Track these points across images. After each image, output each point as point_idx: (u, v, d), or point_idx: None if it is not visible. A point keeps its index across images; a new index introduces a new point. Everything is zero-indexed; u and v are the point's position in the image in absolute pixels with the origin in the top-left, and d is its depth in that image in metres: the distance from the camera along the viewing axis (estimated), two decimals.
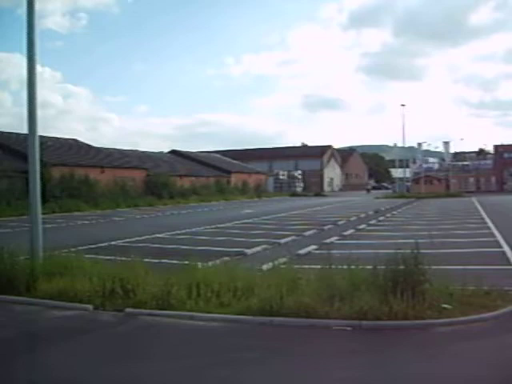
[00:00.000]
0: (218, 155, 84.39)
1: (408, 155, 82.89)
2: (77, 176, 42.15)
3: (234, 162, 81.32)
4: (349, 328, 7.53)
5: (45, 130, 14.94)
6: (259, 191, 71.11)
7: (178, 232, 21.14)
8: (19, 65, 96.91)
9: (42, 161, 12.01)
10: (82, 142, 54.70)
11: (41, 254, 10.93)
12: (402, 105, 72.23)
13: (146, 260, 10.39)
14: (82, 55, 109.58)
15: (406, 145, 78.22)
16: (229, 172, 71.19)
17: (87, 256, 11.47)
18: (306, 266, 10.02)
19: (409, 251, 8.28)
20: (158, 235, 19.91)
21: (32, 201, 11.29)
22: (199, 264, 9.96)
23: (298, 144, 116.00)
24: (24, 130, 12.27)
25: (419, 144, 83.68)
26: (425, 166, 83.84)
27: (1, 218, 31.02)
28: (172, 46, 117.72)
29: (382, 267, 8.38)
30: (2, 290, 9.83)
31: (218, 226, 23.95)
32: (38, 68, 11.55)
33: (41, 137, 11.58)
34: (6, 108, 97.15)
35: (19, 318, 8.75)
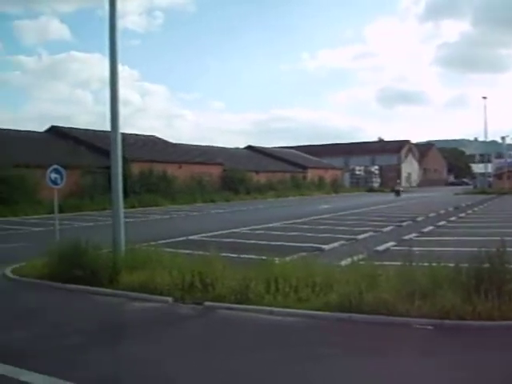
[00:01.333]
0: (293, 151, 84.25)
1: (490, 149, 79.97)
2: (155, 172, 43.09)
3: (310, 157, 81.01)
4: (430, 327, 7.34)
5: (124, 127, 15.57)
6: (335, 187, 70.62)
7: (255, 227, 21.25)
8: (99, 65, 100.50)
9: (123, 157, 12.30)
10: (160, 139, 55.82)
11: (123, 247, 11.24)
12: (484, 97, 70.05)
13: (224, 254, 10.47)
14: (159, 53, 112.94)
15: (488, 139, 75.60)
16: (305, 167, 70.99)
17: (166, 250, 11.70)
18: (385, 263, 9.84)
19: (493, 249, 7.98)
20: (235, 230, 20.08)
21: (114, 196, 11.63)
22: (277, 259, 9.96)
23: (375, 139, 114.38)
24: (105, 127, 12.62)
25: (503, 138, 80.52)
26: (509, 160, 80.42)
27: (84, 212, 32.16)
28: (247, 43, 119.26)
29: (465, 265, 8.12)
30: (86, 281, 10.20)
31: (295, 221, 23.93)
32: (109, 66, 11.81)
33: (122, 134, 11.87)
34: (87, 106, 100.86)
35: (103, 309, 9.04)
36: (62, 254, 10.80)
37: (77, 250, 10.59)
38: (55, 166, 14.40)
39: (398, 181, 69.65)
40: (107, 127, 11.88)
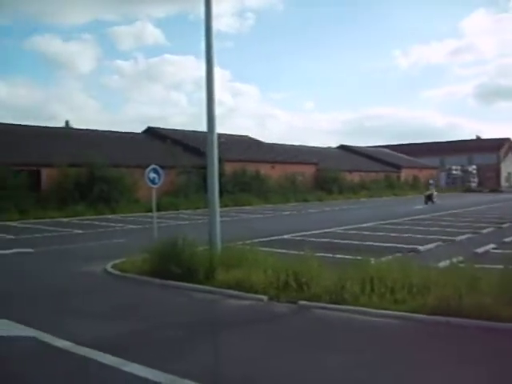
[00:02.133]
0: (387, 150, 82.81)
1: None
2: (248, 171, 43.58)
3: (404, 156, 79.35)
4: None
5: (217, 127, 15.84)
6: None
7: (349, 227, 21.08)
8: (192, 67, 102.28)
9: (218, 157, 12.54)
10: (253, 139, 56.41)
11: (219, 245, 11.46)
12: None
13: (318, 254, 10.45)
14: (250, 54, 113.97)
15: None
16: (399, 167, 69.65)
17: (260, 249, 11.82)
18: (486, 266, 9.50)
19: None
20: (328, 230, 20.00)
21: (211, 196, 11.88)
22: (372, 259, 9.84)
23: (472, 137, 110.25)
24: (198, 127, 12.91)
25: None
26: None
27: (179, 210, 33.03)
28: (336, 41, 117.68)
29: None
30: (183, 278, 10.47)
31: (390, 221, 23.54)
32: (206, 68, 12.03)
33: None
34: (181, 108, 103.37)
35: (200, 305, 9.24)
36: (161, 251, 11.15)
37: (174, 248, 10.89)
38: (154, 166, 14.90)
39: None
40: (200, 128, 12.17)
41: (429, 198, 40.20)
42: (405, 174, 68.84)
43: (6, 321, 7.84)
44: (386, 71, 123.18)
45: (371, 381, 5.65)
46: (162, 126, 50.34)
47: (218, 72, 12.16)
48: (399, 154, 79.58)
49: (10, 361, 6.29)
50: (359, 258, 9.83)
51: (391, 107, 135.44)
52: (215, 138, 11.89)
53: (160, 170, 14.77)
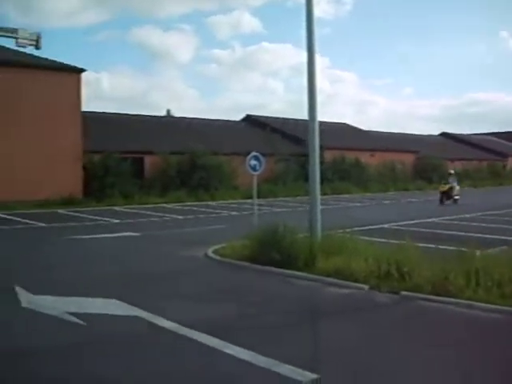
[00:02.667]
0: (491, 137, 79.36)
1: None
2: (348, 159, 43.14)
3: (511, 144, 75.80)
4: None
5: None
6: None
7: (451, 217, 20.47)
8: (289, 55, 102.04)
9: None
10: (351, 126, 55.75)
11: (319, 233, 11.45)
12: None
13: (420, 244, 10.22)
14: (348, 40, 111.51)
15: None
16: (505, 155, 66.65)
17: (360, 237, 11.71)
18: None
19: None
20: (429, 220, 19.53)
21: (312, 184, 11.88)
22: (477, 251, 9.51)
23: None
24: (295, 115, 12.88)
25: None
26: None
27: (278, 197, 33.23)
28: (437, 24, 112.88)
29: None
30: (282, 265, 10.54)
31: (495, 212, 22.58)
32: (307, 55, 11.96)
33: None
34: (278, 95, 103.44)
35: (299, 292, 9.29)
36: (261, 237, 11.27)
37: (275, 235, 10.98)
38: (255, 153, 15.06)
39: None
40: (298, 115, 12.24)
41: (447, 196, 29.80)
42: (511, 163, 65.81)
43: (115, 301, 8.20)
44: (490, 54, 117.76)
45: (475, 378, 5.48)
46: (259, 114, 50.69)
47: (317, 59, 12.07)
48: (505, 142, 76.07)
49: (117, 338, 6.57)
50: (463, 249, 9.52)
51: (497, 92, 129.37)
52: (316, 125, 11.85)
53: (261, 157, 14.91)
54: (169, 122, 43.94)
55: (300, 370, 5.34)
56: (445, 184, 30.37)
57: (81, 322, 7.08)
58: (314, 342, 6.54)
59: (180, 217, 23.26)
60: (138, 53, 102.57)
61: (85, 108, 31.38)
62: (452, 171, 33.18)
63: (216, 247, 13.10)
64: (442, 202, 29.24)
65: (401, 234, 11.73)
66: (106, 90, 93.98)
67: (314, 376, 5.20)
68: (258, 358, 5.71)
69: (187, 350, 6.14)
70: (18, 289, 8.95)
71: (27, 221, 21.23)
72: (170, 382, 5.25)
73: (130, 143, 33.67)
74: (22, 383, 5.22)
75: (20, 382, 5.25)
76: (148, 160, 34.09)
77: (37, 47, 38.18)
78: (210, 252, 12.70)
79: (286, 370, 5.39)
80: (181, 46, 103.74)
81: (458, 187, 30.62)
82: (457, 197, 29.87)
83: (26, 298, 8.40)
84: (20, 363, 5.68)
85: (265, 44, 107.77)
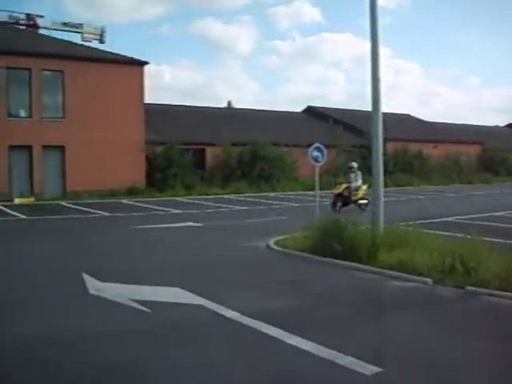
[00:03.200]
0: None
1: None
2: (410, 151, 42.39)
3: None
4: None
5: (369, 105, 15.47)
6: None
7: None
8: (350, 45, 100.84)
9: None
10: (413, 117, 54.71)
11: (382, 225, 11.32)
12: None
13: (486, 238, 9.95)
14: (410, 29, 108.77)
15: None
16: None
17: (423, 230, 11.50)
18: None
19: None
20: (495, 213, 19.00)
21: (375, 175, 11.75)
22: None
23: None
24: (356, 106, 12.72)
25: None
26: None
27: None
28: (505, 13, 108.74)
29: None
30: (345, 257, 10.48)
31: None
32: (368, 44, 11.79)
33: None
34: (339, 86, 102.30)
35: (361, 284, 9.21)
36: (323, 229, 11.24)
37: (337, 226, 10.92)
38: (317, 145, 15.02)
39: None
40: (359, 106, 12.06)
41: (345, 200, 20.99)
42: None
43: (178, 289, 8.35)
44: None
45: None
46: (319, 105, 50.35)
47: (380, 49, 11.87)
48: None
49: (182, 326, 6.69)
50: None
51: None
52: (380, 117, 11.69)
53: (323, 149, 14.85)
54: (230, 114, 44.19)
55: (364, 363, 5.30)
56: (340, 184, 21.84)
57: (146, 310, 7.24)
58: (377, 335, 6.48)
59: (241, 208, 23.42)
60: (199, 45, 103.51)
61: (147, 100, 31.96)
62: (354, 164, 22.69)
63: (277, 238, 13.13)
64: (334, 207, 20.60)
65: (465, 227, 11.45)
66: (167, 82, 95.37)
67: (379, 369, 5.16)
68: (321, 349, 5.71)
69: (250, 340, 6.19)
70: (85, 276, 9.23)
71: (93, 210, 21.85)
72: (235, 371, 5.30)
73: (191, 135, 34.09)
74: (93, 367, 5.36)
75: (90, 366, 5.40)
76: (209, 151, 34.45)
77: (101, 41, 39.11)
78: (271, 243, 12.74)
79: (349, 362, 5.37)
80: (241, 37, 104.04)
81: (364, 187, 21.49)
82: (363, 201, 21.09)
83: (93, 285, 8.65)
84: (88, 348, 5.86)
85: (325, 34, 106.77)
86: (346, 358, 5.44)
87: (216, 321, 6.89)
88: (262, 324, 6.55)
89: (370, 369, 5.19)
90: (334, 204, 20.71)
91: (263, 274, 10.08)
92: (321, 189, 15.95)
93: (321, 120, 43.63)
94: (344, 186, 21.27)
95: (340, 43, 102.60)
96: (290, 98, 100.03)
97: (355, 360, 5.39)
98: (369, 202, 19.55)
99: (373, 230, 11.11)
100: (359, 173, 22.02)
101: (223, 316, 7.00)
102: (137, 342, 6.07)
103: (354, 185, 21.35)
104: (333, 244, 10.67)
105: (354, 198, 21.12)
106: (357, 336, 6.32)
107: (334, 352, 5.60)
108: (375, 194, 11.73)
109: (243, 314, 6.99)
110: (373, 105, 11.73)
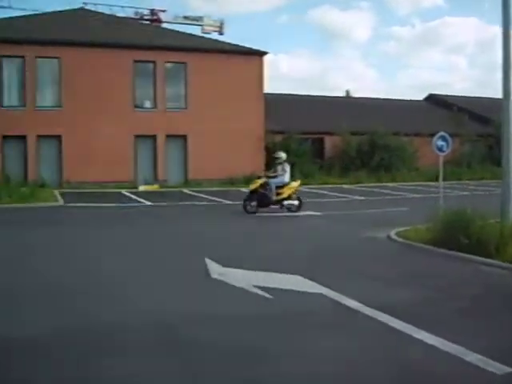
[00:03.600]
0: None
1: None
2: None
3: None
4: None
5: (496, 92, 14.66)
6: None
7: None
8: (473, 29, 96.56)
9: None
10: None
11: (511, 217, 10.77)
12: None
13: None
14: None
15: None
16: None
17: None
18: None
19: None
20: None
21: (505, 165, 11.21)
22: None
23: None
24: (480, 93, 12.08)
25: None
26: None
27: (461, 180, 31.78)
28: None
29: None
30: (470, 250, 10.05)
31: None
32: (494, 29, 11.20)
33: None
34: (461, 72, 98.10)
35: (488, 279, 8.79)
36: (447, 221, 10.83)
37: (462, 218, 10.49)
38: (442, 134, 14.52)
39: None
40: (482, 93, 11.48)
41: (262, 198, 17.15)
42: None
43: (299, 277, 8.37)
44: None
45: None
46: (440, 92, 48.58)
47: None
48: None
49: (303, 314, 6.69)
50: None
51: None
52: (511, 104, 11.08)
53: (448, 138, 14.33)
54: (348, 103, 43.73)
55: (493, 362, 5.05)
56: (258, 178, 17.89)
57: (267, 296, 7.31)
58: (507, 334, 6.16)
59: (360, 198, 23.19)
60: (316, 34, 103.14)
61: (265, 90, 32.24)
62: (282, 154, 18.07)
63: (399, 229, 12.84)
64: (246, 208, 17.12)
65: None
66: (283, 72, 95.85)
67: (510, 369, 4.91)
68: (447, 344, 5.50)
69: (373, 331, 6.09)
70: (207, 261, 9.48)
71: (214, 198, 22.46)
72: (357, 362, 5.23)
73: (310, 124, 34.09)
74: (224, 348, 5.49)
75: (222, 347, 5.53)
76: (328, 140, 34.32)
77: (220, 33, 40.07)
78: (392, 234, 12.48)
79: (476, 359, 5.12)
80: (358, 24, 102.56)
81: (294, 184, 17.80)
82: (293, 202, 17.35)
83: (216, 270, 8.87)
84: (217, 329, 6.01)
85: (447, 18, 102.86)
86: (473, 355, 5.20)
87: (338, 310, 6.84)
88: (384, 315, 6.42)
89: (499, 368, 4.93)
90: (245, 204, 17.15)
91: (384, 264, 9.90)
92: (444, 179, 15.40)
93: (443, 108, 42.13)
94: (260, 181, 17.30)
95: (463, 27, 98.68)
96: (409, 86, 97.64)
97: (484, 358, 5.14)
98: (300, 203, 17.23)
99: (502, 221, 10.59)
100: (287, 166, 17.74)
101: (345, 305, 6.94)
102: (263, 327, 6.14)
103: (276, 180, 17.31)
104: (458, 237, 10.26)
105: (276, 197, 17.14)
106: (484, 333, 6.03)
107: (462, 349, 5.38)
108: (504, 185, 11.17)
109: (365, 304, 6.89)
110: (504, 92, 11.14)
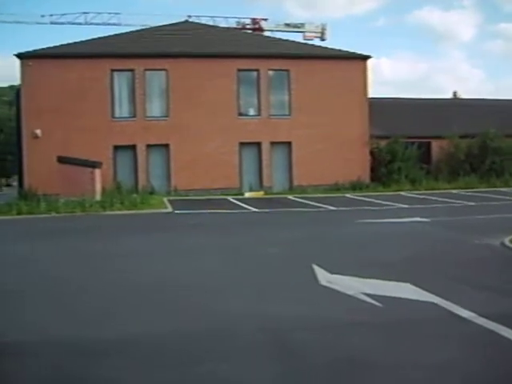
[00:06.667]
0: None
1: None
2: None
3: None
4: None
5: None
6: None
7: None
8: None
9: None
10: None
11: None
12: None
13: None
14: None
15: None
16: None
17: None
18: None
19: None
20: None
21: None
22: None
23: None
24: None
25: None
26: None
27: None
28: None
29: None
30: None
31: None
32: None
33: None
34: None
35: None
36: None
37: None
38: None
39: None
40: None
41: None
42: None
43: (409, 285, 8.18)
44: None
45: None
46: None
47: None
48: None
49: (415, 323, 6.53)
50: None
51: None
52: None
53: None
54: (455, 105, 42.29)
55: None
56: None
57: (377, 304, 7.20)
58: None
59: (470, 203, 22.40)
60: (417, 35, 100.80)
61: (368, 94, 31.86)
62: None
63: None
64: None
65: None
66: (385, 76, 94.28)
67: None
68: None
69: (487, 343, 5.84)
70: (315, 267, 9.46)
71: (319, 204, 22.41)
72: (477, 376, 5.04)
73: (415, 128, 33.29)
74: (334, 357, 5.46)
75: (333, 355, 5.51)
76: (435, 144, 33.41)
77: (322, 38, 39.95)
78: (506, 241, 11.93)
79: None
80: (462, 24, 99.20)
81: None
82: None
83: (324, 277, 8.83)
84: (330, 337, 5.99)
85: None
86: None
87: (451, 320, 6.61)
88: (501, 327, 6.15)
89: None
90: None
91: (497, 273, 9.48)
92: None
93: None
94: None
95: None
96: None
97: None
98: None
99: None
100: None
101: (459, 316, 6.70)
102: (373, 336, 6.05)
103: None
104: None
105: None
106: None
107: None
108: None
109: (479, 314, 6.63)
110: None
